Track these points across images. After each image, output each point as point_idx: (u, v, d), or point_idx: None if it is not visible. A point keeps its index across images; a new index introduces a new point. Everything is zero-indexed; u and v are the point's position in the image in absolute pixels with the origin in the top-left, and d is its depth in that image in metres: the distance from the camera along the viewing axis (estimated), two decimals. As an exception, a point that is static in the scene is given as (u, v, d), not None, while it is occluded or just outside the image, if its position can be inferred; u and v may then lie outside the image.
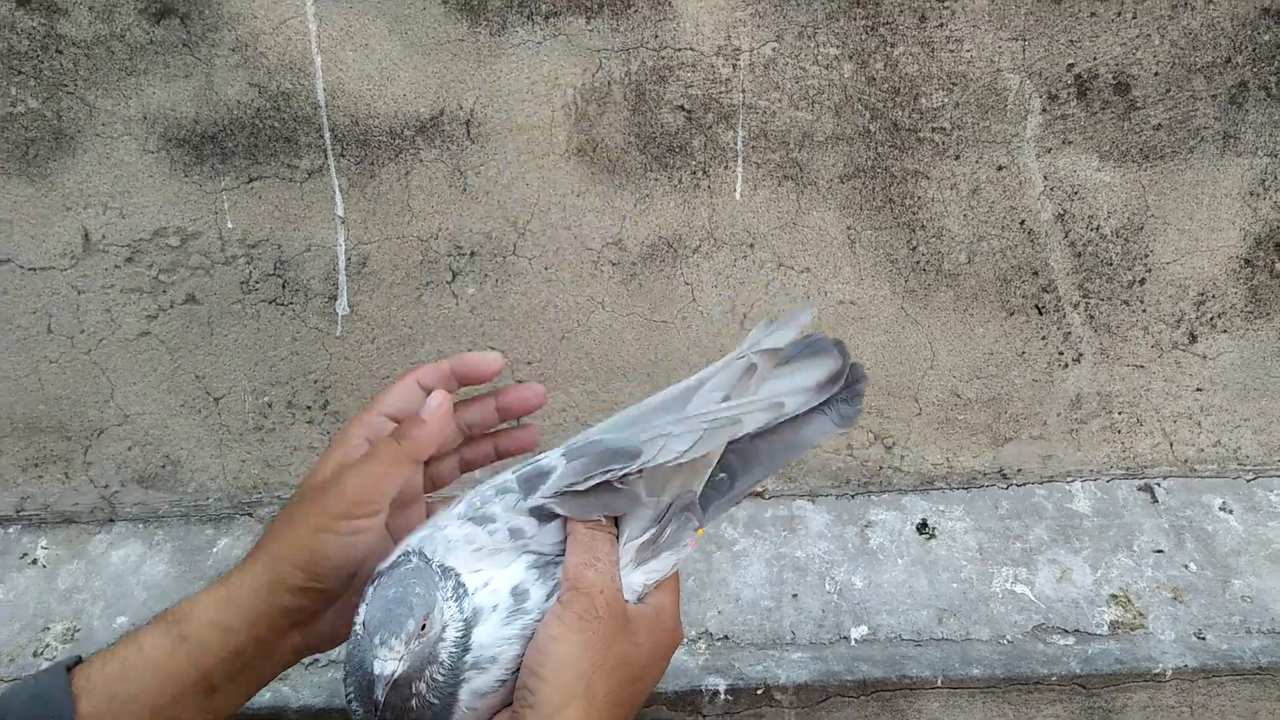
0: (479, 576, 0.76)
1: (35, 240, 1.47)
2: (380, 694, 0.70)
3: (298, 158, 1.44)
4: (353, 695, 0.74)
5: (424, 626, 0.71)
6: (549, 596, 0.75)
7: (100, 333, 1.53)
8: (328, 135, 1.44)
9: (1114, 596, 1.51)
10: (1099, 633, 1.47)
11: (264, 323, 1.53)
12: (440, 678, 0.72)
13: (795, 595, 1.52)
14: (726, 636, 1.47)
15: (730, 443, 0.87)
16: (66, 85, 1.39)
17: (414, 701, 0.73)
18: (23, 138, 1.41)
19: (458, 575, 0.75)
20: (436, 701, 0.73)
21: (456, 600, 0.73)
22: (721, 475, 0.87)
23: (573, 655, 0.70)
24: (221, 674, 0.76)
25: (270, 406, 1.59)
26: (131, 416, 1.58)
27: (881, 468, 1.65)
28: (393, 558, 0.77)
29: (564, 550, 0.77)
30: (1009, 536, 1.60)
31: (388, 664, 0.70)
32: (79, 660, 0.78)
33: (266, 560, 0.78)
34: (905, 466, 1.65)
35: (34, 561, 1.59)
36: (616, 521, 0.80)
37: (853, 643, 1.46)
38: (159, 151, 1.43)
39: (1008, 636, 1.47)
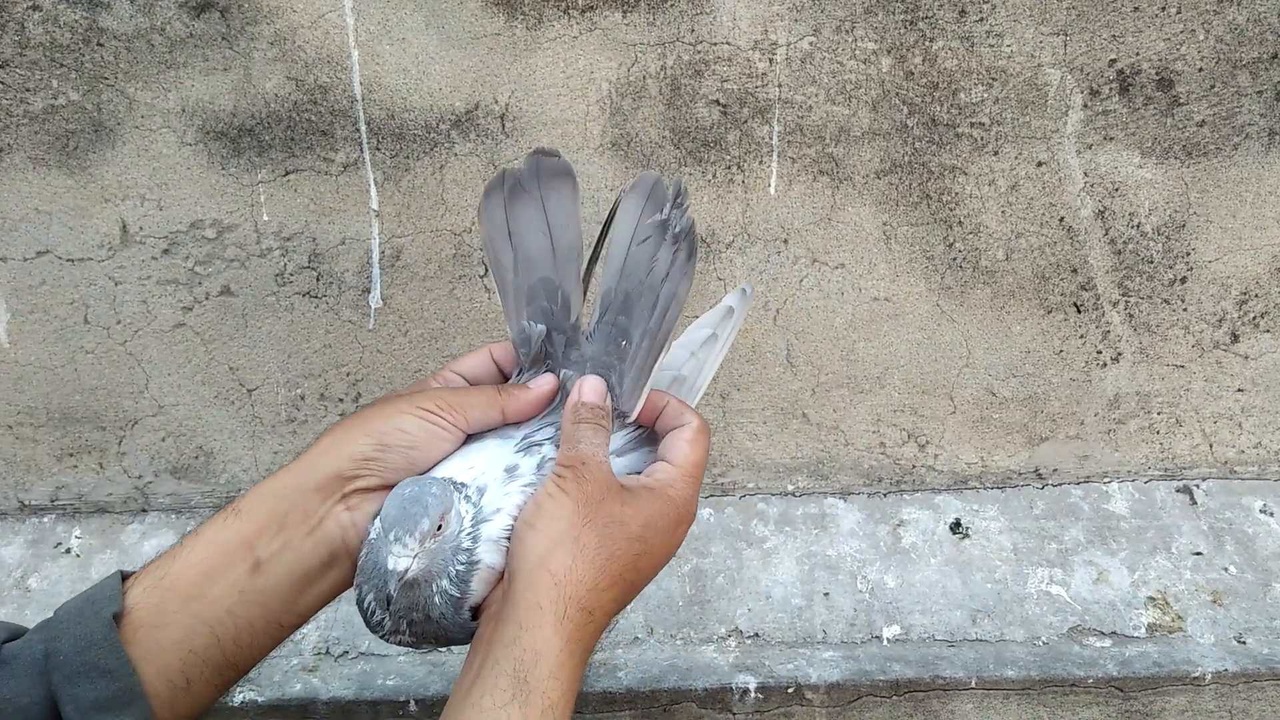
0: (471, 472, 0.79)
1: (74, 231, 1.48)
2: (392, 588, 0.71)
3: (333, 151, 1.45)
4: (368, 596, 0.76)
5: (440, 527, 0.73)
6: (539, 468, 0.80)
7: (136, 324, 1.54)
8: (363, 128, 1.44)
9: (1151, 599, 1.49)
10: (1136, 635, 1.45)
11: (298, 315, 1.54)
12: (461, 567, 0.76)
13: (827, 594, 1.51)
14: (757, 634, 1.46)
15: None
16: (107, 78, 1.41)
17: (436, 598, 0.75)
18: (63, 130, 1.43)
19: (457, 481, 0.78)
20: (457, 593, 0.76)
21: (466, 499, 0.77)
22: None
23: (565, 510, 0.73)
24: (266, 546, 0.76)
25: (303, 399, 1.60)
26: (165, 407, 1.59)
27: (915, 466, 1.64)
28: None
29: (551, 434, 0.83)
30: (1044, 537, 1.58)
31: (400, 560, 0.71)
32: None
33: (334, 434, 0.81)
34: (939, 465, 1.63)
35: (68, 551, 1.60)
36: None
37: (885, 642, 1.45)
38: (197, 144, 1.44)
39: (1043, 638, 1.45)
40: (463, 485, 0.78)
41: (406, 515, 0.72)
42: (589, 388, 0.82)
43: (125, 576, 0.76)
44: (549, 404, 0.86)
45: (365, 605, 0.77)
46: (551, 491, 0.75)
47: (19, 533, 1.63)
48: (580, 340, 0.90)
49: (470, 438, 0.84)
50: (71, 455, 1.62)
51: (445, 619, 0.75)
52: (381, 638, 0.79)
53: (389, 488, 0.77)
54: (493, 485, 0.79)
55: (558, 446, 0.81)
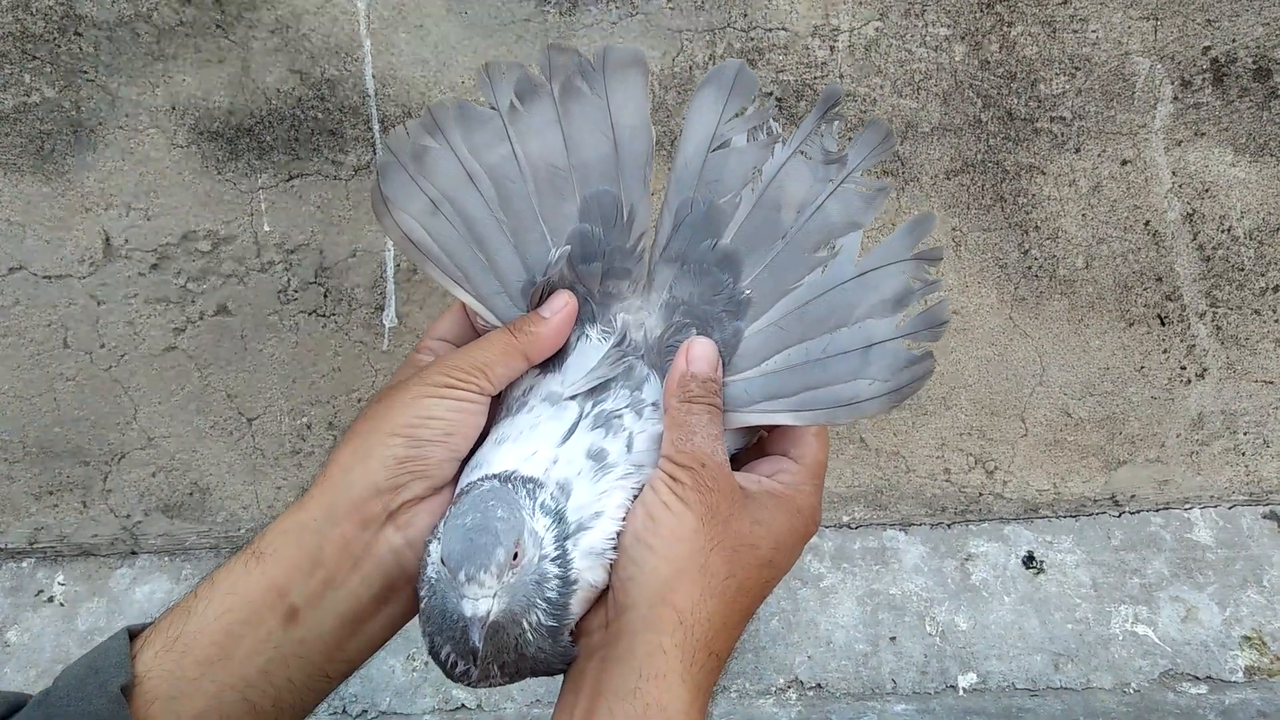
0: (538, 461, 0.63)
1: (51, 245, 1.32)
2: (476, 639, 0.55)
3: (343, 153, 1.30)
4: (444, 648, 0.60)
5: (516, 555, 0.57)
6: (629, 450, 0.64)
7: (122, 347, 1.38)
8: (376, 127, 1.29)
9: (1246, 638, 1.36)
10: (1234, 679, 1.32)
11: (303, 336, 1.38)
12: (555, 594, 0.59)
13: (893, 638, 1.37)
14: (819, 685, 1.32)
15: None
16: (86, 72, 1.25)
17: (529, 634, 0.59)
18: (37, 130, 1.27)
19: (524, 476, 0.62)
20: (554, 623, 0.60)
21: (542, 509, 0.61)
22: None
23: (688, 528, 0.59)
24: (300, 591, 0.62)
25: (309, 428, 1.44)
26: (156, 439, 1.43)
27: (981, 494, 1.50)
28: (465, 481, 0.64)
29: (627, 400, 0.66)
30: (1125, 571, 1.45)
31: (480, 604, 0.55)
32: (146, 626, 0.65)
33: (354, 444, 0.64)
34: (1008, 493, 1.50)
35: (50, 599, 1.45)
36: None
37: (961, 692, 1.32)
38: (189, 146, 1.28)
39: (1133, 685, 1.32)
40: (534, 483, 0.62)
41: (475, 549, 0.55)
42: (699, 354, 0.65)
43: (134, 634, 0.62)
44: (569, 330, 0.68)
45: (444, 658, 0.61)
46: (669, 502, 0.60)
47: (-7, 579, 1.48)
48: (642, 271, 0.69)
49: (502, 404, 0.68)
50: (51, 493, 1.46)
51: (544, 652, 0.60)
52: (468, 685, 0.64)
53: (439, 491, 0.64)
54: (580, 481, 0.62)
55: (640, 415, 0.65)
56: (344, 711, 1.30)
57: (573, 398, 0.66)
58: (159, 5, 1.22)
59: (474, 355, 0.66)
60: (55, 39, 1.23)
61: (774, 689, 1.32)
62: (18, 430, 1.41)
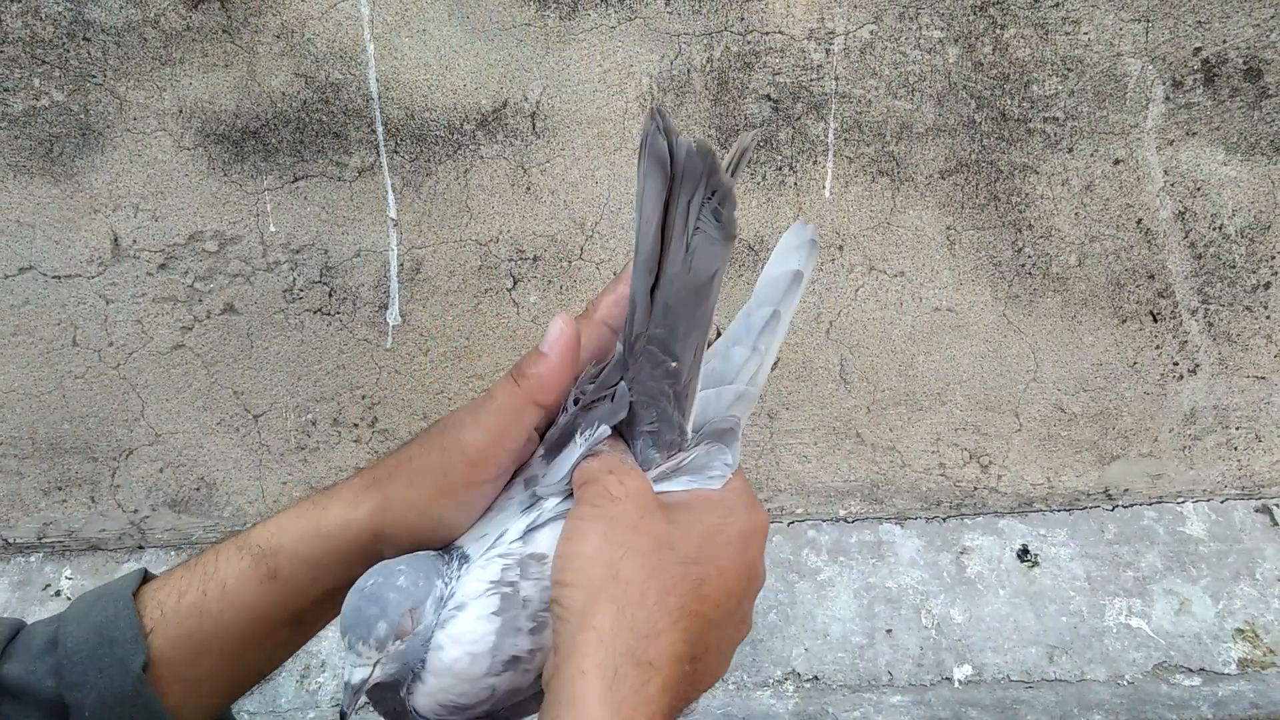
0: (485, 540, 0.62)
1: (60, 246, 1.34)
2: (346, 705, 0.57)
3: (347, 154, 1.32)
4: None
5: (416, 622, 0.57)
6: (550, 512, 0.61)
7: (130, 345, 1.40)
8: (380, 130, 1.31)
9: (1240, 631, 1.38)
10: (1227, 672, 1.34)
11: (308, 334, 1.41)
12: (420, 663, 0.59)
13: (889, 630, 1.39)
14: (816, 677, 1.34)
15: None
16: (95, 76, 1.27)
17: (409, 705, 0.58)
18: (47, 134, 1.29)
19: (460, 550, 0.61)
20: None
21: (446, 581, 0.60)
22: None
23: (593, 546, 0.56)
24: (314, 613, 0.66)
25: (314, 424, 1.46)
26: (163, 436, 1.46)
27: (976, 488, 1.52)
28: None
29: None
30: (1119, 564, 1.47)
31: (355, 671, 0.56)
32: (145, 578, 0.66)
33: (376, 510, 0.64)
34: (1002, 487, 1.52)
35: (58, 594, 1.47)
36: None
37: (957, 684, 1.34)
38: (195, 148, 1.31)
39: (1127, 676, 1.34)
40: (465, 557, 0.61)
41: (360, 618, 0.57)
42: (589, 464, 0.62)
43: (135, 589, 0.65)
44: (575, 356, 0.64)
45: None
46: (574, 529, 0.57)
47: (4, 574, 1.50)
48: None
49: (517, 477, 0.65)
50: (60, 489, 1.48)
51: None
52: None
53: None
54: (477, 554, 0.61)
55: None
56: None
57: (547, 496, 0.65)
58: (166, 10, 1.24)
59: (484, 425, 0.63)
60: (64, 44, 1.25)
61: (771, 681, 1.34)
62: (27, 427, 1.43)
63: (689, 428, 0.64)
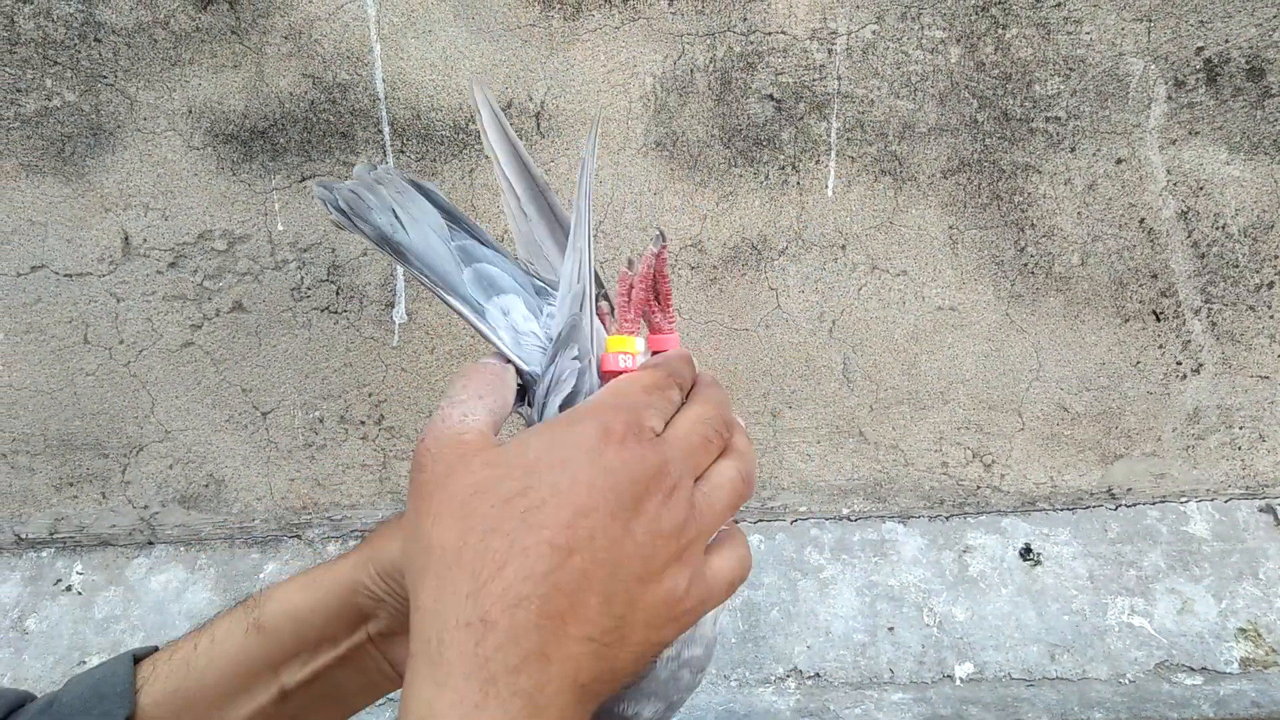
0: None
1: (71, 245, 1.36)
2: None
3: (354, 154, 1.33)
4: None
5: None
6: None
7: (140, 343, 1.42)
8: (387, 130, 1.32)
9: (1242, 630, 1.38)
10: (1229, 671, 1.34)
11: (316, 332, 1.42)
12: None
13: (891, 628, 1.39)
14: (818, 674, 1.35)
15: None
16: (105, 76, 1.29)
17: None
18: (58, 134, 1.31)
19: None
20: None
21: None
22: None
23: (409, 525, 0.50)
24: (292, 673, 0.63)
25: (321, 421, 1.48)
26: (173, 433, 1.47)
27: (979, 487, 1.52)
28: None
29: None
30: (1121, 563, 1.47)
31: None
32: (153, 650, 0.66)
33: (360, 560, 0.62)
34: (1005, 486, 1.52)
35: (69, 588, 1.49)
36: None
37: (958, 682, 1.34)
38: (204, 148, 1.32)
39: (1128, 675, 1.34)
40: None
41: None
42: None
43: (139, 658, 0.65)
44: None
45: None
46: (407, 514, 0.51)
47: (15, 569, 1.52)
48: None
49: None
50: (71, 485, 1.50)
51: None
52: None
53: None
54: None
55: None
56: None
57: None
58: (175, 12, 1.26)
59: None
60: (75, 45, 1.27)
61: (773, 678, 1.34)
62: (39, 423, 1.45)
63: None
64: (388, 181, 0.66)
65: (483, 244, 0.66)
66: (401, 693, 0.46)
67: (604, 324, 0.61)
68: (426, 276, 0.63)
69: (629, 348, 0.58)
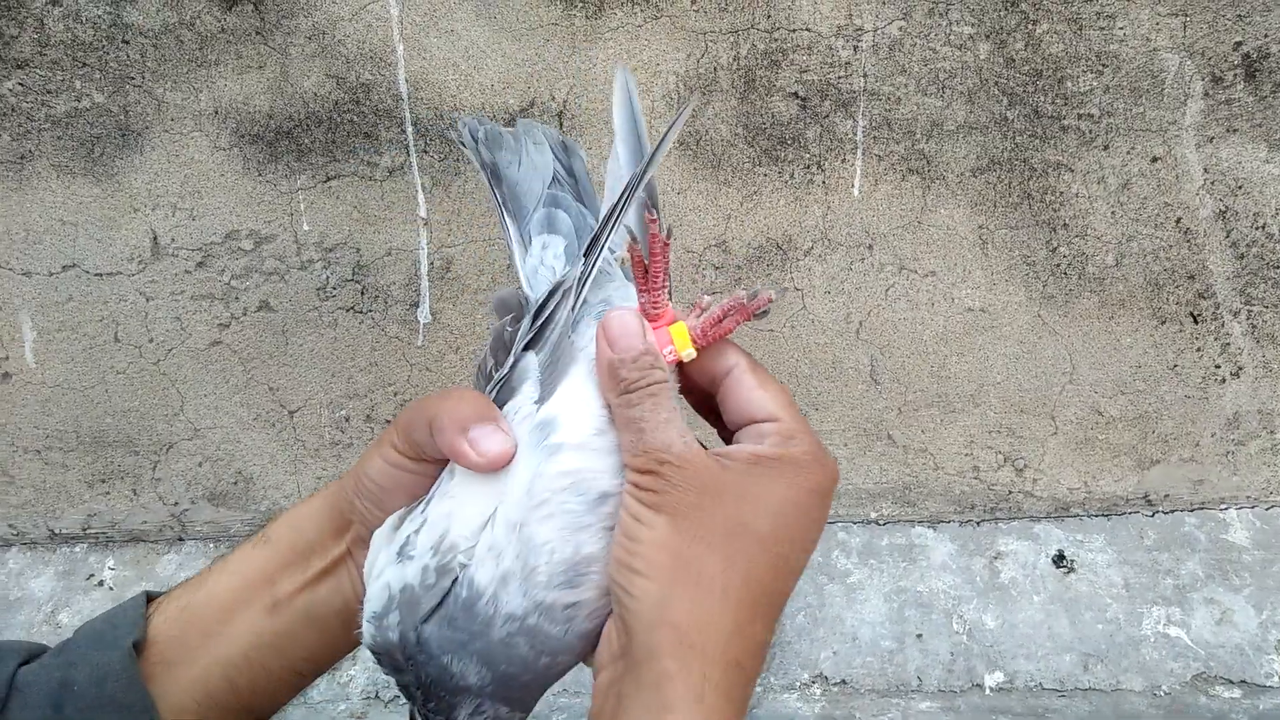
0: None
1: (102, 244, 1.38)
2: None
3: (378, 154, 1.33)
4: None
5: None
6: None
7: (169, 342, 1.43)
8: (410, 130, 1.32)
9: (1283, 642, 1.34)
10: (1269, 684, 1.30)
11: (341, 331, 1.43)
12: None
13: (920, 635, 1.37)
14: (844, 681, 1.33)
15: None
16: (133, 78, 1.30)
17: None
18: (88, 134, 1.33)
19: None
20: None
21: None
22: None
23: (662, 534, 0.52)
24: (284, 585, 0.64)
25: (347, 420, 1.49)
26: (202, 430, 1.49)
27: (1011, 492, 1.49)
28: None
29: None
30: (1158, 571, 1.43)
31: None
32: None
33: (353, 471, 0.65)
34: (1038, 491, 1.49)
35: (100, 583, 1.51)
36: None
37: (988, 691, 1.31)
38: (230, 149, 1.33)
39: (1164, 687, 1.30)
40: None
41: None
42: (616, 326, 0.56)
43: (152, 598, 0.66)
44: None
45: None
46: (639, 514, 0.53)
47: (49, 563, 1.54)
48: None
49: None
50: (104, 481, 1.52)
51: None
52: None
53: None
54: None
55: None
56: (376, 696, 1.34)
57: None
58: (201, 13, 1.27)
59: (429, 412, 0.59)
60: (104, 46, 1.28)
61: (798, 684, 1.33)
62: (72, 420, 1.47)
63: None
64: (538, 137, 0.69)
65: (576, 199, 0.69)
66: (638, 689, 0.51)
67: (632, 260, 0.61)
68: (506, 206, 0.68)
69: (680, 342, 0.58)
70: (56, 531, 1.55)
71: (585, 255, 0.60)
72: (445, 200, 1.35)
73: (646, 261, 0.57)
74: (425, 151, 1.33)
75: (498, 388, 0.59)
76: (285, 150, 1.33)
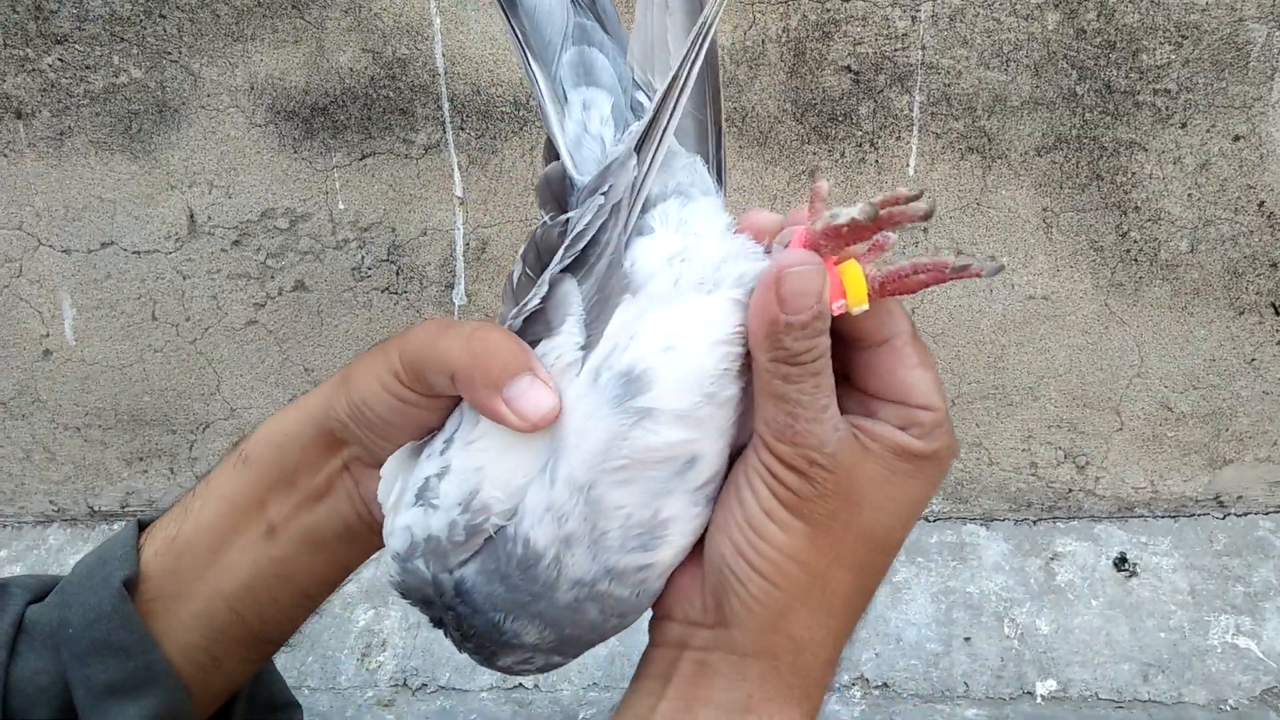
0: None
1: (140, 222, 1.37)
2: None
3: (414, 131, 1.30)
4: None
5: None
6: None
7: (206, 321, 1.42)
8: (446, 106, 1.29)
9: (1364, 657, 1.25)
10: (1347, 702, 1.22)
11: (376, 312, 1.40)
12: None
13: (968, 638, 1.31)
14: (886, 684, 1.28)
15: None
16: (170, 53, 1.28)
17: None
18: (126, 110, 1.31)
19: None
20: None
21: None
22: None
23: (800, 545, 0.48)
24: (277, 509, 0.60)
25: (383, 403, 1.46)
26: (238, 410, 1.48)
27: (1071, 490, 1.42)
28: None
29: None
30: (1227, 577, 1.35)
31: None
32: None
33: (333, 384, 0.59)
34: (1100, 490, 1.41)
35: (140, 561, 1.51)
36: None
37: (1039, 699, 1.25)
38: (266, 125, 1.31)
39: (1230, 700, 1.23)
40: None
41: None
42: (796, 282, 0.46)
43: (144, 526, 0.62)
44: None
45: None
46: (773, 512, 0.48)
47: (88, 540, 1.54)
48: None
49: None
50: (142, 459, 1.52)
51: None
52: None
53: (379, 466, 0.56)
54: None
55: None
56: (404, 684, 1.31)
57: None
58: (236, -14, 1.24)
59: (447, 345, 0.54)
60: (141, 21, 1.26)
61: (838, 685, 1.28)
62: (110, 398, 1.47)
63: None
64: None
65: (605, 32, 0.57)
66: (733, 675, 0.49)
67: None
68: (529, 44, 0.55)
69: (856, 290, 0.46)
70: (96, 509, 1.55)
71: (639, 149, 0.48)
72: (481, 179, 1.31)
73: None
74: (461, 129, 1.29)
75: (526, 317, 0.50)
76: (321, 127, 1.30)
